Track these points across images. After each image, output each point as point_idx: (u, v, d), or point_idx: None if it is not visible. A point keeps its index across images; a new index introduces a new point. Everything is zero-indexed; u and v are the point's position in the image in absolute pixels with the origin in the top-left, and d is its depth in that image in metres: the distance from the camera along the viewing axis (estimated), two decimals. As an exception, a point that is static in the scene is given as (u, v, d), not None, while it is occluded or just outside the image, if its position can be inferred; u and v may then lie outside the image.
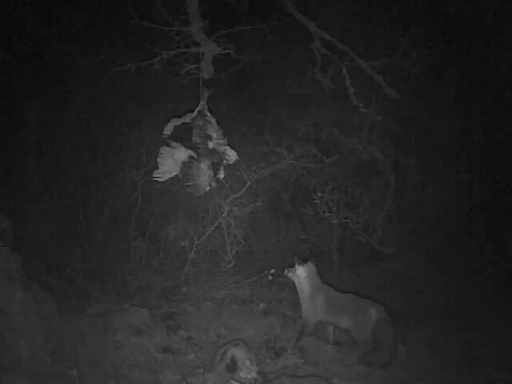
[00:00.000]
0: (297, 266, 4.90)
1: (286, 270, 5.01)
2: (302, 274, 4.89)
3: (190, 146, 4.33)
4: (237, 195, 6.62)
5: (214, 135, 4.29)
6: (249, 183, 6.58)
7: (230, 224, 6.72)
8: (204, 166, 4.29)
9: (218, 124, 4.34)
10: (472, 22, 6.65)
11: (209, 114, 4.30)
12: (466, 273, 7.10)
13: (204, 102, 4.28)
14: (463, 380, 4.40)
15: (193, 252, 6.48)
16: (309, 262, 4.93)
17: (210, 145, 4.29)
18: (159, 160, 4.35)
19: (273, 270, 6.76)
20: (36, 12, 6.73)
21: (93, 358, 4.24)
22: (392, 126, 7.12)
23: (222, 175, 4.36)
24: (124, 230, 7.38)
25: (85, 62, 7.13)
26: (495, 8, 6.24)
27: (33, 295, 4.20)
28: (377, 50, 5.56)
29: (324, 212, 6.94)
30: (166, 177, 4.41)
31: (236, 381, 4.04)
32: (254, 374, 4.13)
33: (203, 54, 4.32)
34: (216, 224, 6.67)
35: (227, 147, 4.36)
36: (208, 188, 4.40)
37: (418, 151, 7.76)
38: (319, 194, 6.91)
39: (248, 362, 4.17)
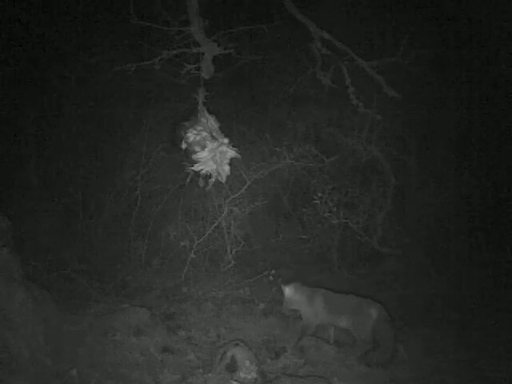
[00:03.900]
0: (283, 288, 4.92)
1: (281, 308, 5.04)
2: (291, 295, 4.89)
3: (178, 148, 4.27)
4: (237, 195, 6.61)
5: (198, 137, 4.19)
6: (248, 183, 6.57)
7: (230, 224, 6.71)
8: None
9: (215, 124, 4.28)
10: (472, 21, 6.66)
11: (205, 115, 4.24)
12: (466, 272, 7.11)
13: (201, 103, 4.23)
14: (463, 380, 4.40)
15: (193, 252, 6.46)
16: (291, 284, 4.94)
17: (184, 145, 4.22)
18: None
19: (273, 271, 6.76)
20: (35, 12, 6.73)
21: (93, 358, 4.23)
22: (392, 125, 7.12)
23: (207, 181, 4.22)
24: (124, 230, 7.38)
25: (85, 62, 7.14)
26: (495, 7, 6.24)
27: (33, 295, 4.19)
28: (377, 49, 5.57)
29: (324, 212, 6.94)
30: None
31: (236, 381, 4.03)
32: (254, 374, 4.12)
33: (203, 53, 4.29)
34: (216, 224, 6.65)
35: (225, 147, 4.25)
36: None
37: (418, 151, 7.77)
38: (319, 194, 6.91)
39: (248, 362, 4.16)
